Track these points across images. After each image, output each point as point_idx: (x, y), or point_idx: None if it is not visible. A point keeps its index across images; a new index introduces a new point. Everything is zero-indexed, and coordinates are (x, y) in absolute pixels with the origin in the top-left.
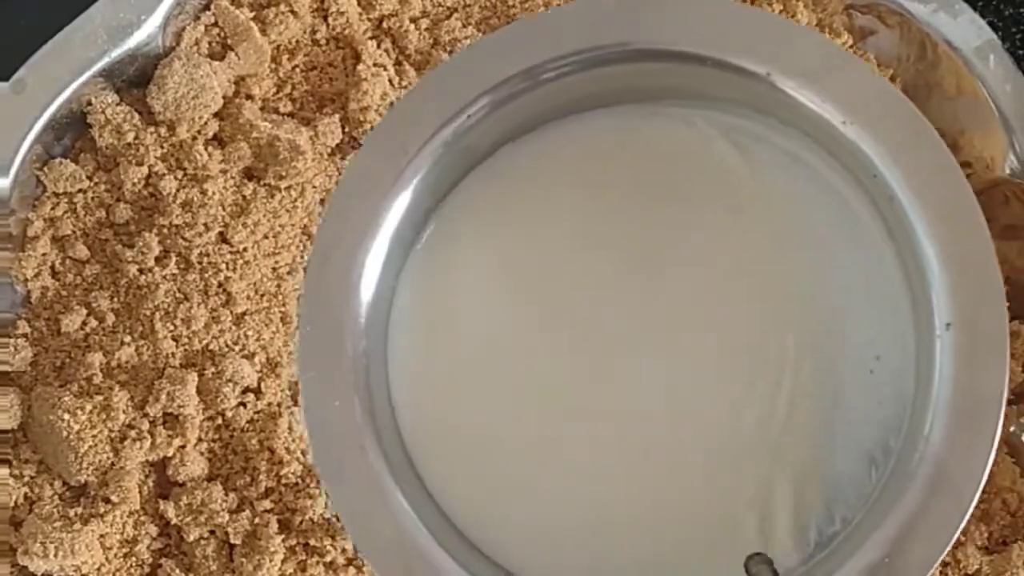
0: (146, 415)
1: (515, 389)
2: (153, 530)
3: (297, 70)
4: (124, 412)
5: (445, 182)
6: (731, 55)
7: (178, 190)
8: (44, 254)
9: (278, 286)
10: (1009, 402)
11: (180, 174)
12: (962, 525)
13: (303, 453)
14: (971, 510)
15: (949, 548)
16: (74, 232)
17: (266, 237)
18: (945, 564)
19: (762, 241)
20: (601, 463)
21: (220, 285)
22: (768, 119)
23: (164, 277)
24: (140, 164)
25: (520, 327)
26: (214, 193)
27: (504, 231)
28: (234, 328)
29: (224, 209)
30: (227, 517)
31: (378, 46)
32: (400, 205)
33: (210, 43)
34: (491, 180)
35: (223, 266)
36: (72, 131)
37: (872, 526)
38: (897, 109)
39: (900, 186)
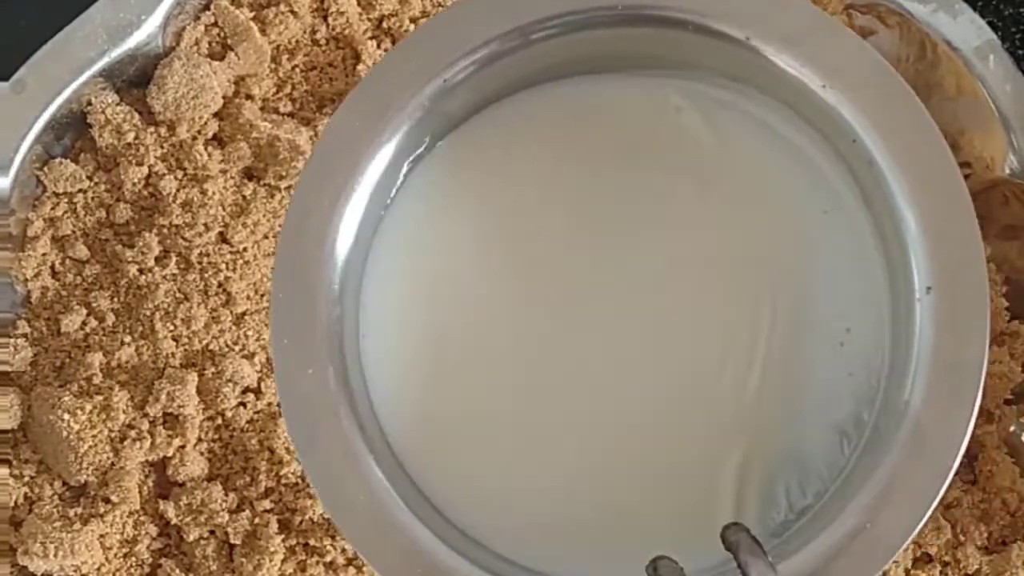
0: (146, 415)
1: (487, 351)
2: (153, 530)
3: (297, 70)
4: (124, 412)
5: (422, 144)
6: (712, 20)
7: (178, 190)
8: (44, 254)
9: None
10: (1008, 402)
11: (180, 174)
12: (943, 489)
13: None
14: (952, 474)
15: (930, 512)
16: (74, 232)
17: (266, 237)
18: (945, 564)
19: (732, 211)
20: (571, 427)
21: (220, 285)
22: (747, 88)
23: (164, 277)
24: (140, 164)
25: (493, 290)
26: (214, 193)
27: (479, 194)
28: (234, 328)
29: (224, 209)
30: (227, 517)
31: (378, 46)
32: (377, 168)
33: (210, 43)
34: (468, 143)
35: (223, 266)
36: (72, 131)
37: (850, 495)
38: (878, 73)
39: (879, 150)
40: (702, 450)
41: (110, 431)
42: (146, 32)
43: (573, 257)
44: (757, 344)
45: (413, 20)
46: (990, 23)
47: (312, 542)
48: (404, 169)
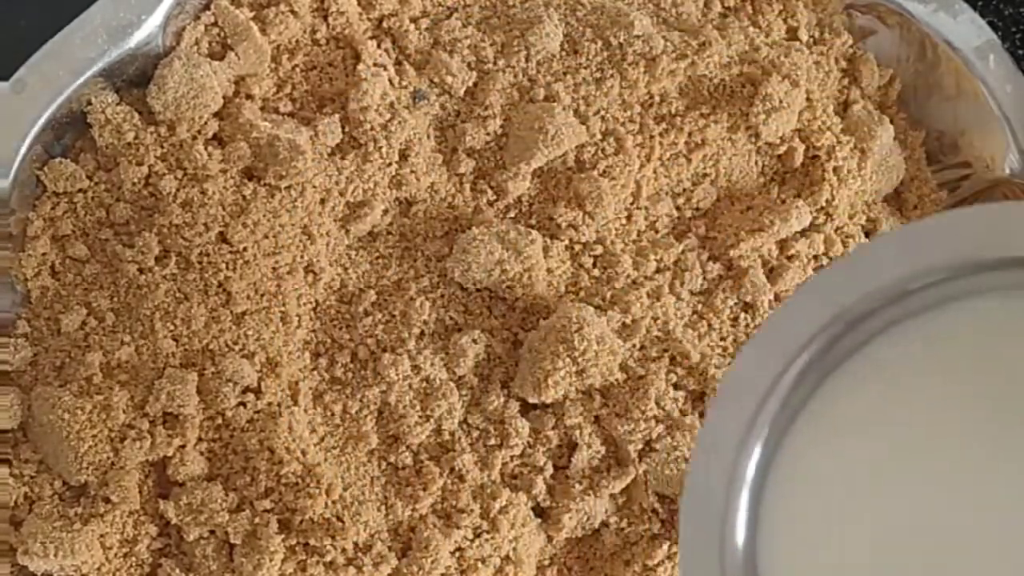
0: (146, 415)
1: None
2: (153, 530)
3: (297, 70)
4: (124, 412)
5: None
6: None
7: (178, 190)
8: (44, 254)
9: (278, 286)
10: None
11: (180, 174)
12: None
13: (303, 453)
14: None
15: None
16: (74, 232)
17: (266, 237)
18: None
19: None
20: None
21: (220, 285)
22: None
23: (164, 277)
24: (140, 164)
25: (906, 530)
26: (214, 193)
27: (887, 421)
28: (234, 328)
29: (224, 209)
30: (227, 517)
31: (378, 46)
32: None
33: (210, 43)
34: (872, 365)
35: (223, 266)
36: (72, 131)
37: None
38: None
39: None
40: None
41: (110, 431)
42: (146, 32)
43: (1001, 494)
44: None
45: (413, 20)
46: (990, 23)
47: (312, 542)
48: (794, 404)
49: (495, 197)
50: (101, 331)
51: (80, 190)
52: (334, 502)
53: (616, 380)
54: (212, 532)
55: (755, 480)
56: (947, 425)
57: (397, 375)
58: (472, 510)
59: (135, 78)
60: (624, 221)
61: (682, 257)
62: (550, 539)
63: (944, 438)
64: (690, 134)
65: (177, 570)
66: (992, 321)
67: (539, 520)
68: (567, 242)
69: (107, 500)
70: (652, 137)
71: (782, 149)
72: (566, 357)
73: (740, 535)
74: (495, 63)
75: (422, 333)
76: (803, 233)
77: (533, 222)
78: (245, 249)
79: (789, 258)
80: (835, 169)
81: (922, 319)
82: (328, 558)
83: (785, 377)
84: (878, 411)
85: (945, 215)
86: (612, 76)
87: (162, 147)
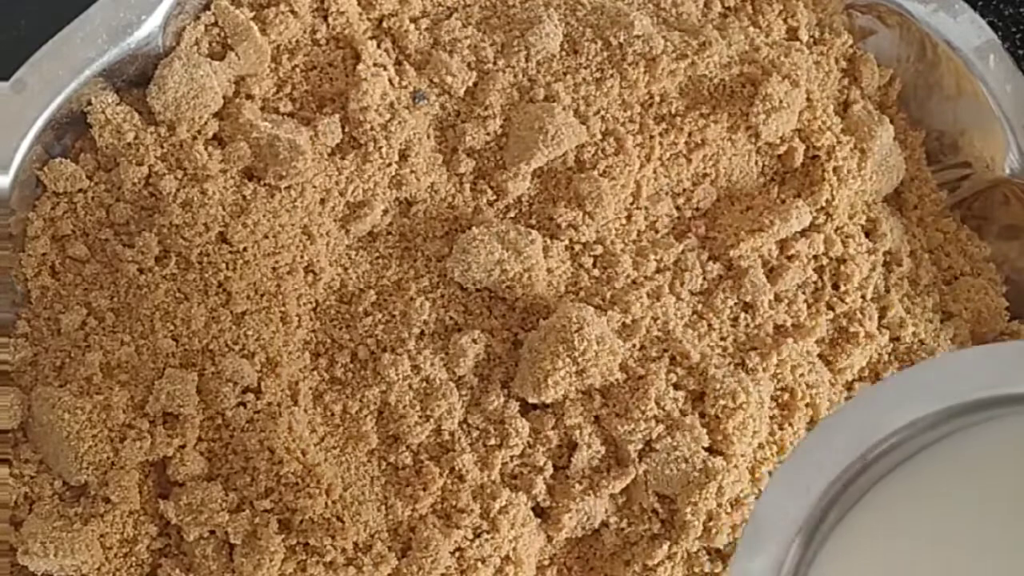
0: (146, 415)
1: None
2: (153, 530)
3: (297, 70)
4: (124, 412)
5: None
6: None
7: (178, 190)
8: (44, 253)
9: (278, 286)
10: None
11: (180, 174)
12: None
13: (303, 453)
14: None
15: None
16: (74, 232)
17: (266, 237)
18: None
19: None
20: None
21: (220, 285)
22: None
23: (164, 277)
24: (140, 164)
25: None
26: (214, 193)
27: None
28: (234, 328)
29: (224, 209)
30: (227, 517)
31: (378, 46)
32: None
33: (210, 43)
34: (905, 483)
35: (223, 266)
36: (72, 131)
37: None
38: None
39: None
40: None
41: (110, 431)
42: (146, 32)
43: None
44: None
45: (413, 20)
46: (990, 23)
47: (312, 542)
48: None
49: (495, 197)
50: (101, 331)
51: (80, 190)
52: (334, 502)
53: (616, 380)
54: (212, 532)
55: None
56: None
57: (397, 375)
58: (472, 510)
59: (135, 78)
60: (624, 221)
61: (682, 257)
62: (550, 539)
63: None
64: (690, 134)
65: (177, 570)
66: (989, 454)
67: (539, 520)
68: (567, 242)
69: (107, 500)
70: (652, 137)
71: (782, 149)
72: (566, 357)
73: None
74: (495, 63)
75: (422, 333)
76: (803, 233)
77: (533, 222)
78: (245, 249)
79: (789, 258)
80: (835, 169)
81: (928, 456)
82: (328, 558)
83: (811, 513)
84: (891, 554)
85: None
86: (612, 76)
87: (162, 147)
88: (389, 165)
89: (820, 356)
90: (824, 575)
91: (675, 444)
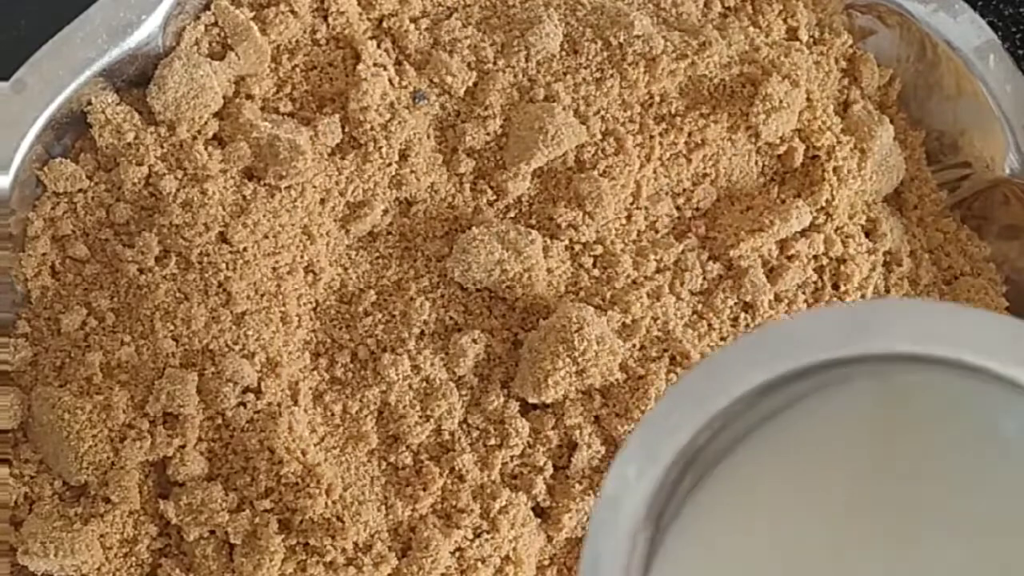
0: (146, 415)
1: None
2: (153, 530)
3: (297, 70)
4: (124, 412)
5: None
6: None
7: (178, 190)
8: (44, 254)
9: (278, 286)
10: None
11: (180, 174)
12: None
13: (303, 453)
14: None
15: None
16: (74, 232)
17: (266, 237)
18: None
19: None
20: None
21: (220, 285)
22: None
23: (164, 277)
24: (140, 164)
25: None
26: (214, 193)
27: (772, 501)
28: (234, 328)
29: (224, 209)
30: (227, 517)
31: (378, 46)
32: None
33: (210, 43)
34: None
35: (223, 266)
36: (72, 131)
37: None
38: None
39: None
40: None
41: (110, 431)
42: (146, 32)
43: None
44: None
45: (413, 20)
46: (990, 23)
47: (312, 542)
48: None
49: (495, 197)
50: (101, 331)
51: (80, 190)
52: (334, 502)
53: (616, 380)
54: (212, 532)
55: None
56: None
57: (397, 375)
58: (472, 510)
59: (135, 78)
60: (624, 221)
61: (682, 257)
62: (550, 539)
63: (809, 520)
64: (690, 134)
65: (177, 570)
66: (838, 417)
67: (539, 520)
68: (567, 242)
69: (107, 500)
70: (652, 137)
71: (782, 149)
72: (566, 357)
73: None
74: (495, 63)
75: (422, 333)
76: (803, 233)
77: (533, 222)
78: (245, 249)
79: (789, 258)
80: (835, 169)
81: (774, 424)
82: (328, 558)
83: (659, 485)
84: (742, 520)
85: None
86: (612, 76)
87: (162, 147)
88: (389, 165)
89: None
90: (676, 547)
91: None
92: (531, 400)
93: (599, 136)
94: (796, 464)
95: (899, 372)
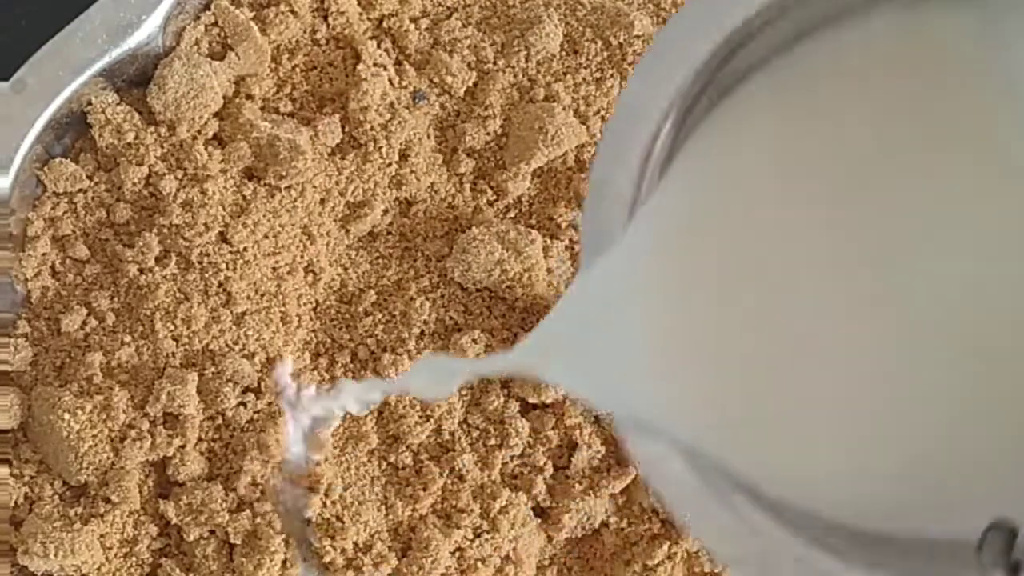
0: (146, 415)
1: (777, 293)
2: (153, 530)
3: (297, 70)
4: (124, 412)
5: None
6: None
7: (178, 190)
8: (44, 254)
9: (278, 286)
10: None
11: (180, 174)
12: None
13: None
14: None
15: None
16: (74, 232)
17: (266, 237)
18: None
19: None
20: (861, 383)
21: (220, 285)
22: None
23: (164, 277)
24: (140, 164)
25: (787, 230)
26: (214, 193)
27: (781, 132)
28: (234, 328)
29: (224, 209)
30: (227, 517)
31: (378, 46)
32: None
33: (210, 43)
34: (771, 83)
35: (223, 266)
36: (72, 131)
37: None
38: None
39: None
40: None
41: (110, 431)
42: (146, 32)
43: (874, 195)
44: None
45: (413, 20)
46: None
47: (312, 542)
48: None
49: (495, 197)
50: (101, 331)
51: (80, 190)
52: (334, 502)
53: None
54: (212, 532)
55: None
56: (824, 140)
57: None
58: (472, 510)
59: (135, 78)
60: None
61: None
62: (550, 539)
63: (819, 153)
64: None
65: (177, 570)
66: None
67: (539, 520)
68: (567, 242)
69: (107, 500)
70: None
71: None
72: None
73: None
74: (495, 63)
75: (422, 333)
76: None
77: (533, 222)
78: (245, 249)
79: None
80: None
81: (789, 55)
82: (327, 559)
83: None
84: (771, 132)
85: None
86: (612, 76)
87: (162, 147)
88: (389, 165)
89: None
90: (691, 157)
91: None
92: (531, 400)
93: (599, 136)
94: (808, 96)
95: (922, 5)
